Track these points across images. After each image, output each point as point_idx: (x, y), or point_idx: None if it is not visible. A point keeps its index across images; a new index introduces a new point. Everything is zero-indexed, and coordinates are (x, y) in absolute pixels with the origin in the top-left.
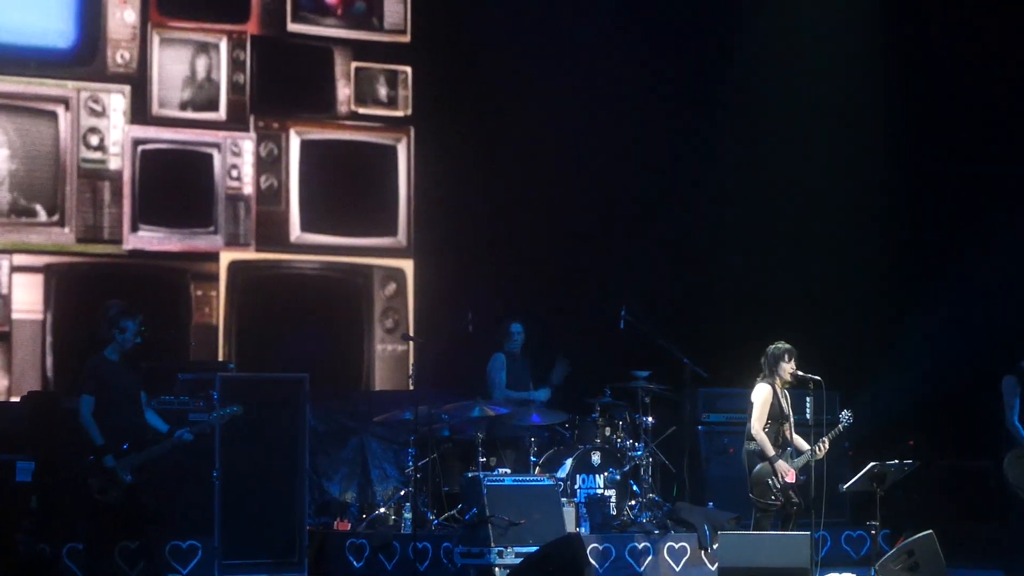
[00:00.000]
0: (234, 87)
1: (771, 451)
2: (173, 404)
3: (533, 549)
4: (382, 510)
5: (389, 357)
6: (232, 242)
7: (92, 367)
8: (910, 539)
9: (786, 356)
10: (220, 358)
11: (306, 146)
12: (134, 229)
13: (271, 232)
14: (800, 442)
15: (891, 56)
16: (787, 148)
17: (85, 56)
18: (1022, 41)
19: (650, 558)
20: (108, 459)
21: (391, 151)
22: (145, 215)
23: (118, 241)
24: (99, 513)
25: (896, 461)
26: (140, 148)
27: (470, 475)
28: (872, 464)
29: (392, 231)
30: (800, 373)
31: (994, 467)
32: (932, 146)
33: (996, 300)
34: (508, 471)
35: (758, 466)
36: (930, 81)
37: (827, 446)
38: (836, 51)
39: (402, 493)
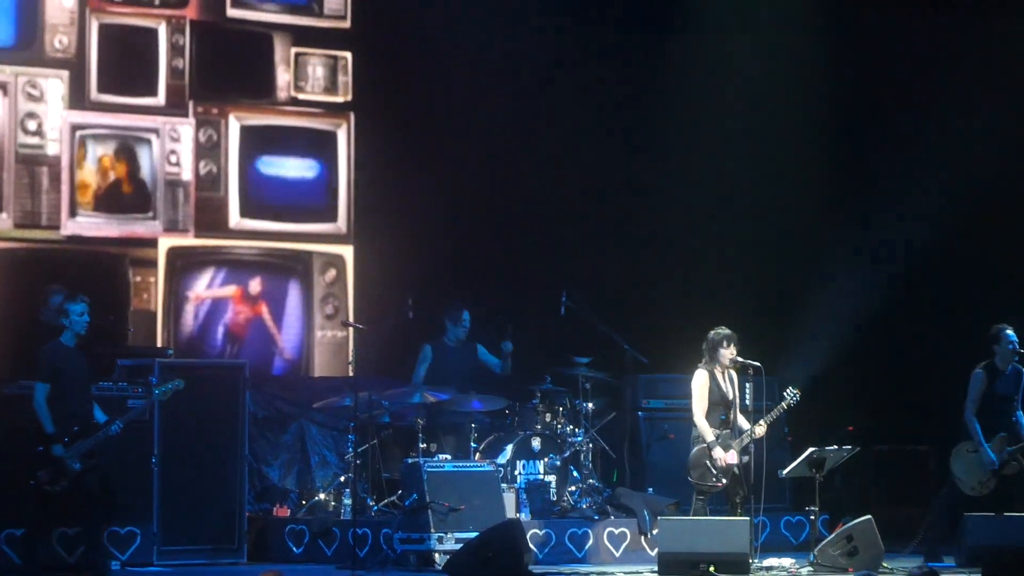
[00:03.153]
0: (173, 72)
1: (710, 436)
2: (112, 390)
3: (473, 535)
4: (322, 496)
5: (329, 343)
6: (171, 228)
7: (47, 353)
8: (849, 524)
9: (725, 342)
10: (159, 344)
11: (245, 132)
12: (72, 215)
13: (210, 218)
14: (745, 424)
15: (829, 45)
16: (730, 135)
17: (23, 41)
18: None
19: (590, 543)
20: (57, 448)
21: (331, 137)
22: (83, 200)
23: (56, 227)
24: (44, 502)
25: (835, 447)
26: (78, 133)
27: (410, 461)
28: (811, 450)
29: (332, 217)
30: (740, 359)
31: (933, 452)
32: (873, 138)
33: (934, 291)
34: (448, 457)
35: (696, 449)
36: (871, 76)
37: (766, 425)
38: (776, 41)
39: (342, 479)
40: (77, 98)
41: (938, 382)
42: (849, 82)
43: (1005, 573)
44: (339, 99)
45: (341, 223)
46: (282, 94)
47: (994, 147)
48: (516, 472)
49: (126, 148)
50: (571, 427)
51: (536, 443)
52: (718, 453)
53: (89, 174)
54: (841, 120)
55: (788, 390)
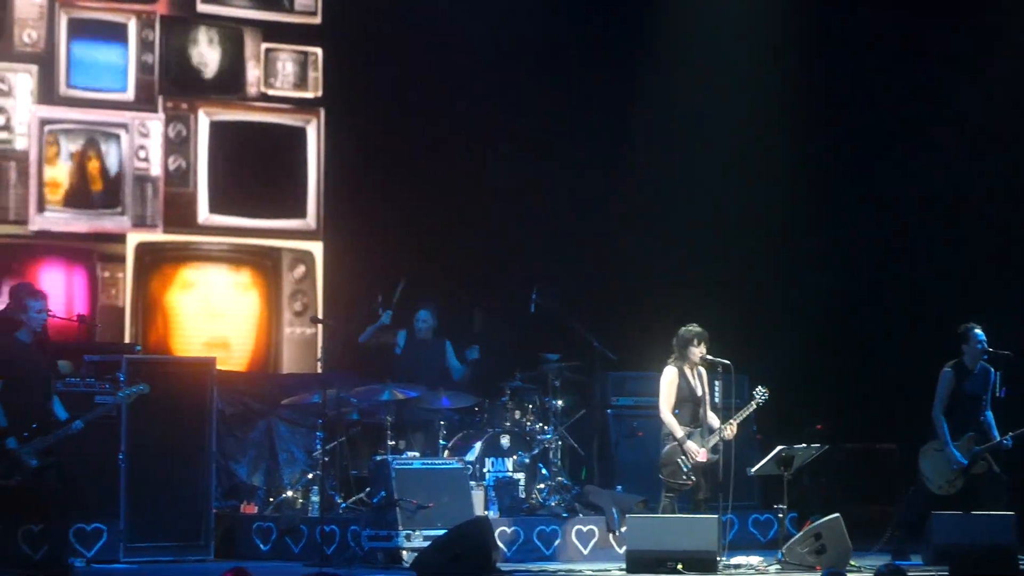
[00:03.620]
0: (143, 67)
1: (679, 432)
2: (79, 386)
3: (441, 532)
4: (289, 493)
5: (298, 340)
6: (139, 223)
7: (0, 348)
8: (817, 522)
9: (695, 340)
10: (126, 340)
11: (215, 127)
12: (40, 210)
13: (179, 214)
14: (715, 422)
15: (798, 45)
16: (700, 133)
17: None
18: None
19: (558, 541)
20: (10, 441)
21: (301, 133)
22: (51, 196)
23: (24, 222)
24: (2, 497)
25: (803, 445)
26: (47, 128)
27: (378, 458)
28: (780, 448)
29: (301, 213)
30: (709, 357)
31: (901, 450)
32: (843, 137)
33: (903, 290)
34: (417, 454)
35: (667, 447)
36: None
37: (736, 426)
38: (746, 35)
39: (310, 476)
40: (46, 93)
41: (907, 381)
42: (819, 82)
43: (972, 572)
44: (309, 95)
45: (310, 219)
46: (252, 90)
47: (962, 152)
48: (485, 469)
49: (95, 143)
50: (540, 424)
51: (505, 440)
52: (692, 447)
53: (57, 169)
54: (810, 119)
55: (757, 389)
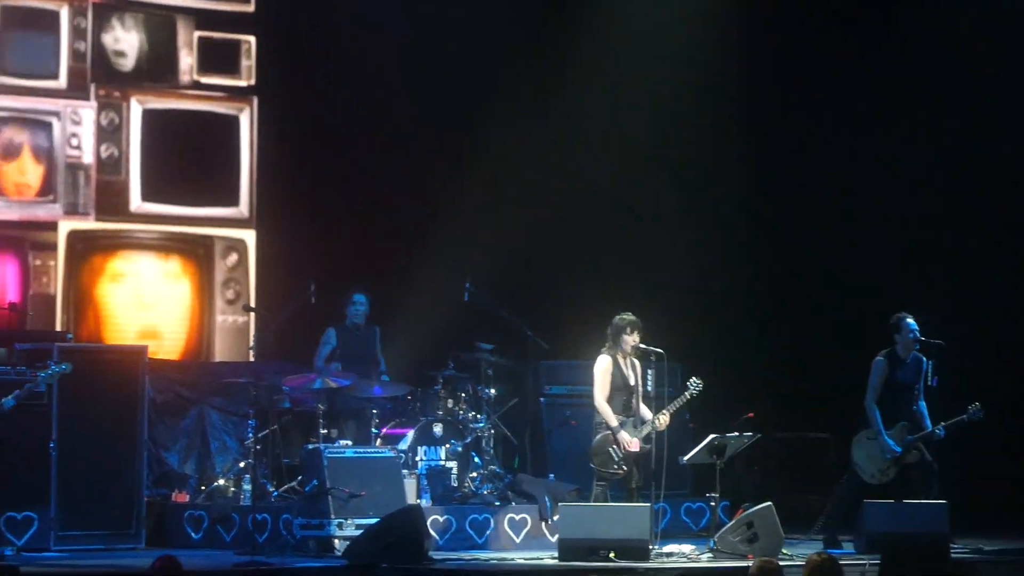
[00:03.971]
0: (75, 55)
1: (613, 421)
2: (10, 374)
3: (374, 521)
4: (221, 482)
5: (230, 328)
6: (71, 211)
7: None
8: (749, 511)
9: (629, 328)
10: (58, 328)
11: (147, 115)
12: None
13: (111, 202)
14: (647, 412)
15: (723, 33)
16: (633, 121)
17: None
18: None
19: (491, 530)
20: None
21: (233, 121)
22: None
23: None
24: None
25: (736, 433)
26: None
27: (311, 447)
28: (712, 436)
29: (234, 201)
30: (643, 345)
31: (834, 439)
32: (766, 125)
33: (836, 278)
34: (349, 443)
35: (599, 435)
36: (759, 65)
37: (669, 416)
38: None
39: (241, 465)
40: None
41: (840, 370)
42: (744, 71)
43: (903, 560)
44: (242, 83)
45: (243, 207)
46: (184, 78)
47: (892, 140)
48: (417, 458)
49: (27, 131)
50: (473, 413)
51: (438, 429)
52: (624, 436)
53: None
54: (737, 108)
55: (691, 380)
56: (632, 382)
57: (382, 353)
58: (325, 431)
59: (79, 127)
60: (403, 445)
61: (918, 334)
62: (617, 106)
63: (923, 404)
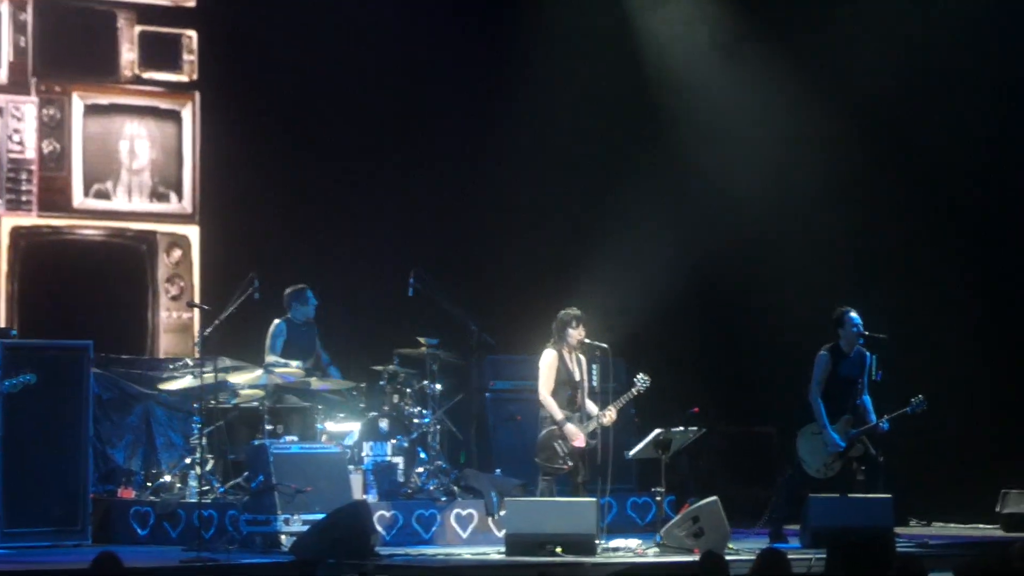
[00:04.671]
0: (16, 50)
1: (559, 415)
2: None
3: (320, 516)
4: (167, 478)
5: (174, 324)
6: (14, 207)
7: None
8: (695, 505)
9: (574, 322)
10: (1, 324)
11: (89, 110)
12: None
13: (54, 198)
14: (592, 407)
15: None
16: (572, 114)
17: None
18: None
19: (437, 525)
20: None
21: (176, 116)
22: None
23: None
24: None
25: (681, 428)
26: None
27: (256, 443)
28: (657, 431)
29: (177, 197)
30: (588, 340)
31: (778, 433)
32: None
33: (778, 270)
34: (294, 439)
35: (544, 431)
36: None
37: (615, 412)
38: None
39: (187, 461)
40: None
41: (784, 364)
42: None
43: (849, 554)
44: (184, 78)
45: (186, 203)
46: (126, 73)
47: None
48: (363, 454)
49: None
50: (418, 408)
51: (383, 424)
52: (570, 431)
53: None
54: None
55: (638, 376)
56: (577, 377)
57: (324, 348)
58: (270, 427)
59: (21, 123)
60: (349, 441)
61: (861, 328)
62: (563, 97)
63: (867, 398)
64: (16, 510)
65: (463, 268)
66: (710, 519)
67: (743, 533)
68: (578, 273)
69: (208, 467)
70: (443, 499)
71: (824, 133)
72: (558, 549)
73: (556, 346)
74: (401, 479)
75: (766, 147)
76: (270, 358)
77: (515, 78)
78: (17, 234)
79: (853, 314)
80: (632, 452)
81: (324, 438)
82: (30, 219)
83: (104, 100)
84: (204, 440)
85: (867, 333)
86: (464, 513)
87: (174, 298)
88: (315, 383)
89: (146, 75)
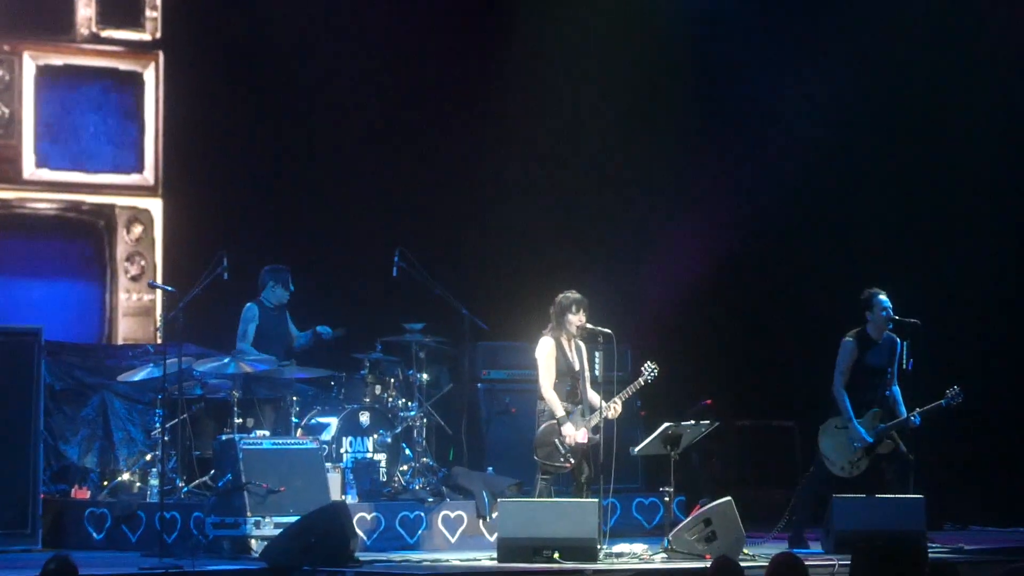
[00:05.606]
0: None
1: (560, 411)
2: None
3: (294, 519)
4: (126, 476)
5: (134, 307)
6: None
7: None
8: (707, 506)
9: (574, 307)
10: None
11: (42, 72)
12: None
13: (2, 168)
14: (594, 400)
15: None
16: (575, 87)
17: None
18: None
19: (423, 528)
20: None
21: (137, 78)
22: None
23: None
24: None
25: (692, 422)
26: None
27: (224, 437)
28: (666, 425)
29: (138, 167)
30: (589, 326)
31: (799, 427)
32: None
33: (800, 250)
34: (266, 433)
35: (544, 425)
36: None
37: (620, 405)
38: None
39: (148, 457)
40: None
41: (805, 351)
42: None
43: (876, 561)
44: (146, 37)
45: (148, 174)
46: (83, 31)
47: (853, 106)
48: (342, 450)
49: None
50: (403, 400)
51: (364, 418)
52: (567, 430)
53: None
54: (689, 68)
55: (646, 365)
56: (577, 366)
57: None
58: (240, 420)
59: None
60: (326, 436)
61: (891, 312)
62: (568, 71)
63: (897, 389)
64: None
65: (453, 246)
66: (723, 522)
67: (760, 538)
68: (579, 252)
69: (171, 464)
70: (430, 500)
71: (848, 115)
72: (556, 555)
73: (554, 333)
74: (384, 478)
75: (792, 131)
76: (243, 346)
77: (512, 43)
78: None
79: (883, 296)
80: (638, 448)
81: (299, 433)
82: None
83: (58, 60)
84: (166, 435)
85: (897, 318)
86: (453, 515)
87: (134, 278)
88: (289, 372)
89: (104, 33)
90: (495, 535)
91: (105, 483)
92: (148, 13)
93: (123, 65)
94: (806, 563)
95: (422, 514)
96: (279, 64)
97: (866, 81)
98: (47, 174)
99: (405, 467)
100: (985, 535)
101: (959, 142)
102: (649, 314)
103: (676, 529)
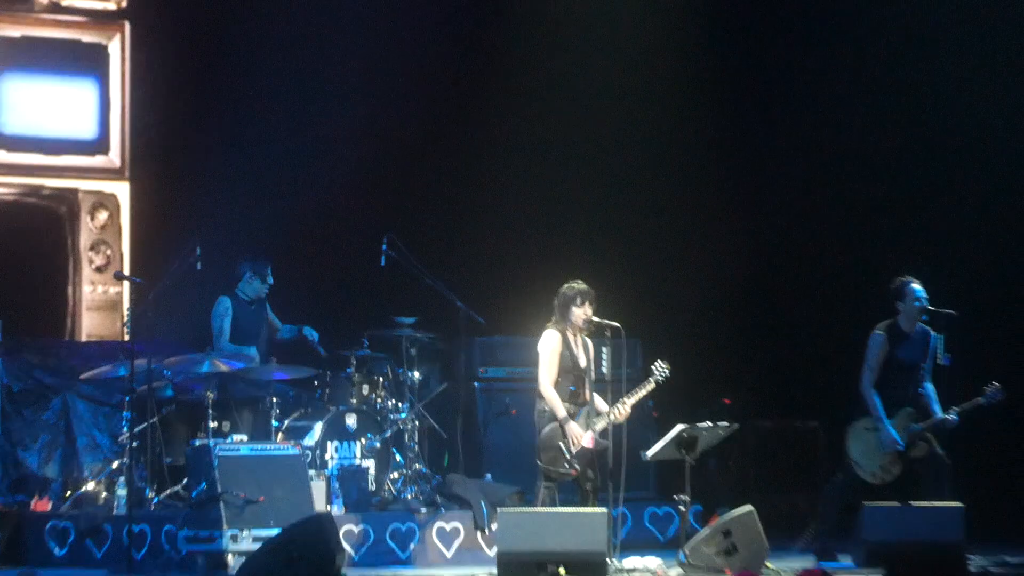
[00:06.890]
0: None
1: (562, 412)
2: None
3: (275, 532)
4: (91, 486)
5: (99, 300)
6: None
7: None
8: (726, 516)
9: (579, 299)
10: None
11: None
12: None
13: None
14: (602, 402)
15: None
16: (586, 75)
17: None
18: None
19: (416, 542)
20: None
21: (101, 51)
22: None
23: None
24: None
25: (709, 424)
26: None
27: (197, 443)
28: (680, 427)
29: (103, 148)
30: (596, 319)
31: (825, 429)
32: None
33: (825, 239)
34: (244, 438)
35: (547, 428)
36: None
37: (630, 406)
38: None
39: (115, 465)
40: None
41: (831, 345)
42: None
43: (910, 574)
44: (111, 6)
45: (114, 155)
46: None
47: (876, 102)
48: (327, 456)
49: None
50: (393, 401)
51: (351, 421)
52: (573, 429)
53: None
54: (711, 67)
55: (657, 364)
56: (583, 363)
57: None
58: (215, 424)
59: None
60: (309, 440)
61: (925, 302)
62: (577, 62)
63: (931, 386)
64: None
65: (446, 232)
66: (745, 533)
67: (784, 550)
68: (584, 240)
69: (139, 473)
70: (423, 510)
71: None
72: (561, 570)
73: (558, 326)
74: (372, 486)
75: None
76: (221, 345)
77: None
78: None
79: (916, 285)
80: (651, 453)
81: (279, 437)
82: None
83: (15, 32)
84: (135, 440)
85: (932, 308)
86: (448, 527)
87: (99, 269)
88: (268, 371)
89: (65, 2)
90: (494, 549)
91: (68, 493)
92: None
93: (86, 37)
94: None
95: (415, 526)
96: (254, 35)
97: (899, 72)
98: (4, 156)
99: (396, 474)
100: None
101: (992, 127)
102: (661, 307)
103: (693, 541)
